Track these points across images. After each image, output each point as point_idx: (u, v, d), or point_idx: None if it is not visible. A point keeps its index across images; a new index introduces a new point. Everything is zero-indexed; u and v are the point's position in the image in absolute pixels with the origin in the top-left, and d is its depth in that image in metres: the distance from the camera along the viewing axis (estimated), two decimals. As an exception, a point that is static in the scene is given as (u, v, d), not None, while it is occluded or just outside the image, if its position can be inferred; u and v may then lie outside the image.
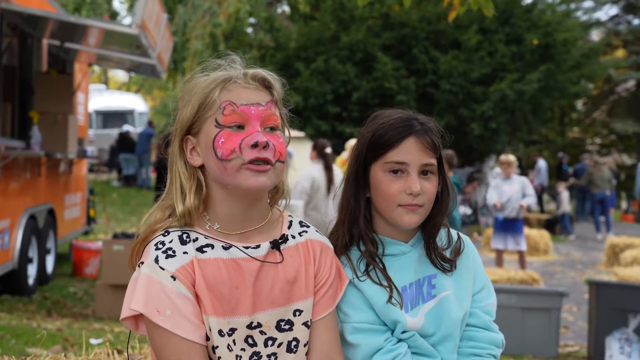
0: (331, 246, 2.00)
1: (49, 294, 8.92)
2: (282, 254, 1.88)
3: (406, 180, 1.97)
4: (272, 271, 1.86)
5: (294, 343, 1.87)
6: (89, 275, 10.33)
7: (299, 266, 1.90)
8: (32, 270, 8.72)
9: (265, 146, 1.80)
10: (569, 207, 19.16)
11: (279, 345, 1.85)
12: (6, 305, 8.03)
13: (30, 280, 8.66)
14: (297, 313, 1.87)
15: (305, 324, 1.88)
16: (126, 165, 21.87)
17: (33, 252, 8.74)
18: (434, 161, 2.00)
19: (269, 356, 1.84)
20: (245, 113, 1.81)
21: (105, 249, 8.23)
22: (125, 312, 1.78)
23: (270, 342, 1.84)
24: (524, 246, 10.69)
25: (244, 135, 1.80)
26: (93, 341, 6.00)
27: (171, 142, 1.89)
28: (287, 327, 1.86)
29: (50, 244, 9.55)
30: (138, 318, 1.80)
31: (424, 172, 1.98)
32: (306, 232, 1.97)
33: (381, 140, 1.99)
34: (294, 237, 1.94)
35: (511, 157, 10.60)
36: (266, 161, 1.80)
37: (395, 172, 1.98)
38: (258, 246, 1.86)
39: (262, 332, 1.83)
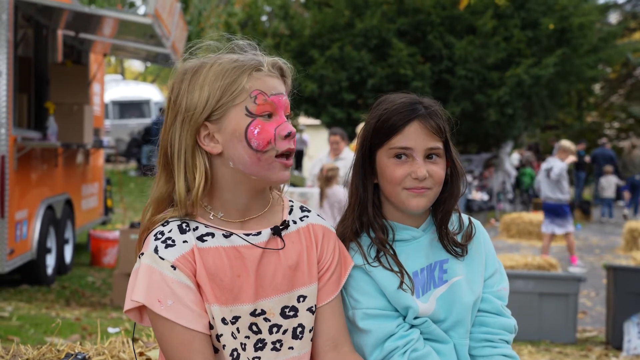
0: (333, 230, 1.99)
1: (67, 284, 9.00)
2: (283, 240, 1.87)
3: (411, 165, 1.96)
4: (274, 258, 1.84)
5: (299, 329, 1.86)
6: (107, 264, 10.40)
7: (300, 252, 1.88)
8: (50, 260, 8.79)
9: (293, 136, 1.81)
10: (613, 192, 19.39)
11: (284, 332, 1.84)
12: (25, 295, 8.10)
13: (49, 270, 8.73)
14: (301, 299, 1.86)
15: (309, 309, 1.87)
16: (149, 158, 21.91)
17: (51, 242, 8.81)
18: (439, 145, 1.98)
19: (274, 343, 1.83)
20: (275, 103, 1.79)
21: (123, 238, 8.28)
22: (128, 304, 1.76)
23: (275, 329, 1.83)
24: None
25: (276, 125, 1.78)
26: (111, 330, 6.03)
27: (171, 128, 1.80)
28: (291, 313, 1.85)
29: (68, 234, 9.62)
30: (142, 309, 1.79)
31: (429, 155, 1.97)
32: (307, 216, 1.95)
33: (385, 126, 1.97)
34: (295, 222, 1.92)
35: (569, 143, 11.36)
36: (293, 153, 1.82)
37: (399, 157, 1.96)
38: (259, 233, 1.84)
39: (266, 319, 1.82)
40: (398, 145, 1.96)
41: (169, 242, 1.77)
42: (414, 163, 1.96)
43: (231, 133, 1.77)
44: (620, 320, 6.95)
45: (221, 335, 1.78)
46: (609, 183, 19.21)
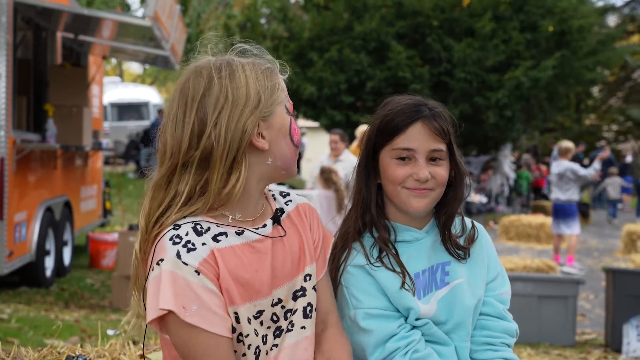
0: (314, 206, 2.03)
1: (66, 286, 8.99)
2: (283, 228, 1.88)
3: (414, 166, 1.97)
4: (281, 246, 1.86)
5: (308, 308, 1.87)
6: (106, 266, 10.39)
7: (299, 234, 1.91)
8: (49, 262, 8.78)
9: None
10: (618, 194, 19.72)
11: (295, 312, 1.86)
12: (24, 297, 8.09)
13: (48, 272, 8.72)
14: (308, 278, 1.89)
15: (314, 287, 1.90)
16: (148, 160, 21.88)
17: (50, 244, 8.80)
18: (442, 147, 1.99)
19: (287, 326, 1.85)
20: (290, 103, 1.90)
21: (122, 240, 8.28)
22: (153, 313, 1.70)
23: (289, 313, 1.85)
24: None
25: (294, 123, 1.88)
26: (110, 332, 6.02)
27: (216, 120, 1.74)
28: (300, 294, 1.87)
29: (67, 236, 9.61)
30: (161, 318, 1.73)
31: (433, 158, 1.98)
32: (291, 200, 1.98)
33: (389, 126, 1.98)
34: (283, 208, 1.95)
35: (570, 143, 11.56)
36: None
37: (403, 159, 1.97)
38: (264, 225, 1.85)
39: (282, 307, 1.84)
40: (401, 146, 1.97)
41: (190, 245, 1.73)
42: (416, 164, 1.96)
43: (278, 129, 1.82)
44: (620, 323, 6.95)
45: (247, 335, 1.77)
46: (614, 185, 19.39)
